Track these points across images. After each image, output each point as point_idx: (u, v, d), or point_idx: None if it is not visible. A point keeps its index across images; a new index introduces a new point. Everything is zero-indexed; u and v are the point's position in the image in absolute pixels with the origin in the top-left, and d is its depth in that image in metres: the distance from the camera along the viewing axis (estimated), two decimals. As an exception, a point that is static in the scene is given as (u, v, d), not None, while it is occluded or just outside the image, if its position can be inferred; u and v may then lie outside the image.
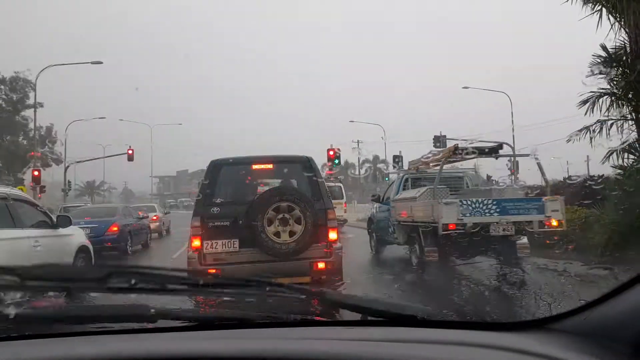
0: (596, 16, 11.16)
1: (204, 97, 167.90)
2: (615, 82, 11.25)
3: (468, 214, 8.89)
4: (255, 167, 7.29)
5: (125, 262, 13.39)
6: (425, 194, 10.07)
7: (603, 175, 10.85)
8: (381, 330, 1.51)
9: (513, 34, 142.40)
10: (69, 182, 38.20)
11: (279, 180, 7.73)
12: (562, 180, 15.70)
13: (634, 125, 11.00)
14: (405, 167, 16.34)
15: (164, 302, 1.57)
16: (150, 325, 1.46)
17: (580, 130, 11.55)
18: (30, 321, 1.51)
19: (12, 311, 1.41)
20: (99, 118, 44.01)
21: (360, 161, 66.66)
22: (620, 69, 11.11)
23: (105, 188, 73.86)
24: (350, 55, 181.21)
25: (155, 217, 21.45)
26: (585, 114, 11.40)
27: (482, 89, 37.43)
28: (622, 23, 10.89)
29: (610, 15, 11.03)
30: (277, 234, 6.54)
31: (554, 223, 9.02)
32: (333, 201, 7.87)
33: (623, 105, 11.14)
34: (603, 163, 11.17)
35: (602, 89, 11.33)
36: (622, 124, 11.19)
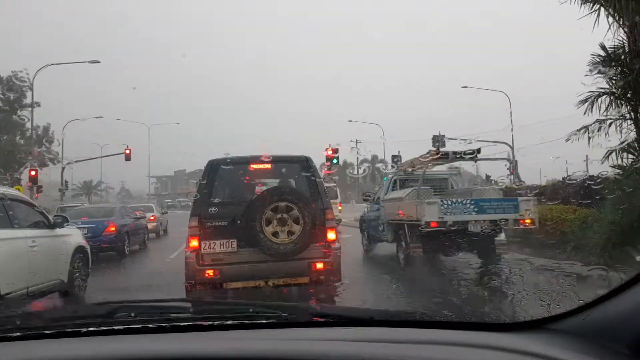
0: (595, 15, 11.18)
1: (201, 97, 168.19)
2: (614, 82, 11.26)
3: (448, 213, 9.61)
4: (253, 167, 7.27)
5: (123, 264, 13.43)
6: (411, 195, 10.94)
7: (603, 174, 10.86)
8: (381, 330, 1.51)
9: (512, 34, 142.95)
10: (66, 182, 38.22)
11: (277, 180, 7.72)
12: (561, 179, 15.76)
13: (632, 125, 11.02)
14: None
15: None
16: (153, 326, 1.47)
17: (579, 130, 11.57)
18: (30, 321, 1.51)
19: (12, 312, 1.41)
20: (96, 118, 44.11)
21: (359, 161, 66.85)
22: (619, 68, 11.12)
23: (103, 188, 73.89)
24: (349, 55, 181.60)
25: (152, 217, 21.43)
26: (585, 113, 11.42)
27: (481, 88, 37.62)
28: (621, 22, 10.91)
29: (608, 15, 11.04)
30: (276, 234, 6.53)
31: (527, 221, 9.83)
32: (328, 201, 7.89)
33: (622, 105, 11.15)
34: (602, 163, 11.19)
35: (601, 88, 11.35)
36: (621, 124, 11.20)
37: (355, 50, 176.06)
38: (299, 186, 7.21)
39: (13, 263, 6.46)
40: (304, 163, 7.22)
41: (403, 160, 18.33)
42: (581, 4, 11.37)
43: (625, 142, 10.88)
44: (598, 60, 11.10)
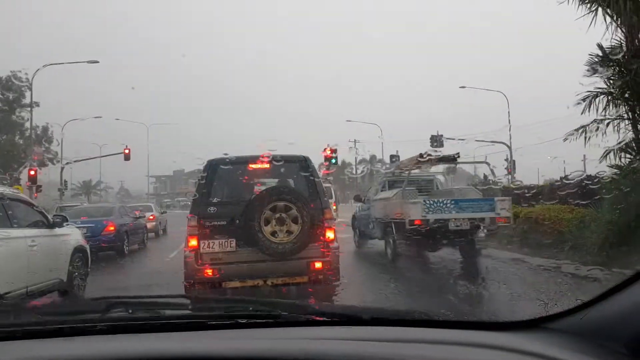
0: (592, 16, 11.18)
1: (201, 97, 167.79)
2: (611, 82, 11.26)
3: (431, 212, 10.45)
4: (252, 166, 7.27)
5: (121, 264, 13.41)
6: (397, 195, 11.80)
7: (601, 174, 10.88)
8: (379, 330, 1.51)
9: (512, 34, 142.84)
10: (65, 181, 38.15)
11: (276, 180, 7.73)
12: (558, 179, 15.78)
13: (630, 125, 11.02)
14: None
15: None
16: (149, 326, 1.47)
17: (577, 130, 11.57)
18: (29, 321, 1.51)
19: (11, 312, 1.41)
20: (96, 117, 43.99)
21: (358, 161, 66.73)
22: (617, 68, 11.12)
23: (102, 187, 73.69)
24: (349, 55, 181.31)
25: (151, 217, 21.39)
26: (582, 113, 11.42)
27: (479, 88, 37.61)
28: (619, 22, 10.91)
29: (606, 15, 11.04)
30: (274, 234, 6.54)
31: (503, 219, 10.73)
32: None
33: (619, 105, 11.15)
34: (600, 162, 11.20)
35: (599, 88, 11.35)
36: (619, 124, 11.20)
37: (355, 50, 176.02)
38: (297, 186, 7.22)
39: (12, 262, 6.45)
40: (303, 163, 7.23)
41: (401, 160, 19.28)
42: (579, 4, 11.38)
43: (623, 142, 10.88)
44: (596, 60, 11.11)
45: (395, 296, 7.70)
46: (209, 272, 6.46)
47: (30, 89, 32.84)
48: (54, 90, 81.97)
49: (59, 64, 31.96)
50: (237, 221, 6.60)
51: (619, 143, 10.95)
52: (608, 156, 11.08)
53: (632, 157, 10.82)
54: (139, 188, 75.22)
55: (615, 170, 10.64)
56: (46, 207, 16.32)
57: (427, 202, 10.69)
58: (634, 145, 10.78)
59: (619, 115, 11.22)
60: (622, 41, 11.07)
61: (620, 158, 11.00)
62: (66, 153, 40.95)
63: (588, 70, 11.16)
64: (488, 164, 14.33)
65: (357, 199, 15.84)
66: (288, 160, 7.38)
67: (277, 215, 6.56)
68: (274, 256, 6.48)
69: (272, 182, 7.66)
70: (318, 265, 6.66)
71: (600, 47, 11.07)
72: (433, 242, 11.11)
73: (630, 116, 10.96)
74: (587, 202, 11.11)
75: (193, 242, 6.58)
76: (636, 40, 10.76)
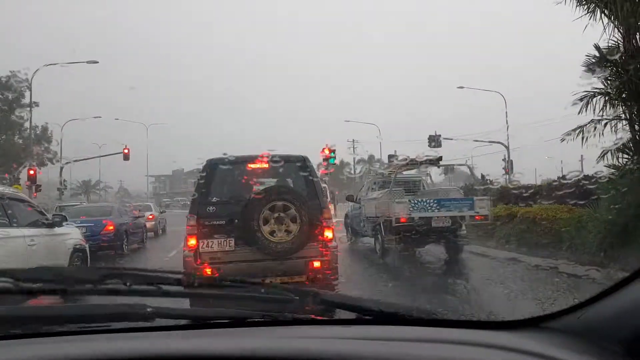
0: (588, 16, 11.19)
1: (200, 97, 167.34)
2: (609, 82, 11.28)
3: (416, 210, 11.32)
4: (251, 166, 7.29)
5: (121, 263, 13.40)
6: (385, 195, 12.71)
7: (598, 174, 10.91)
8: (377, 329, 1.51)
9: (511, 34, 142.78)
10: (65, 181, 38.11)
11: (275, 180, 7.74)
12: (556, 179, 15.80)
13: (627, 125, 11.04)
14: None
15: (160, 302, 1.57)
16: (148, 324, 1.46)
17: (574, 130, 11.59)
18: (28, 321, 1.51)
19: (9, 311, 1.41)
20: (95, 117, 43.98)
21: (356, 160, 66.64)
22: (614, 68, 11.13)
23: (101, 187, 73.55)
24: (349, 55, 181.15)
25: (151, 216, 21.38)
26: (579, 113, 11.43)
27: (476, 88, 37.63)
28: (616, 23, 10.93)
29: (603, 15, 11.05)
30: (273, 233, 6.56)
31: (481, 217, 11.66)
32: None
33: (617, 105, 11.17)
34: (597, 162, 11.22)
35: (596, 88, 11.37)
36: (616, 124, 11.22)
37: (355, 50, 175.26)
38: (296, 185, 7.24)
39: (12, 261, 6.45)
40: (302, 163, 7.25)
41: (389, 162, 20.45)
42: (577, 5, 11.39)
43: (620, 142, 10.90)
44: (593, 60, 11.13)
45: (393, 296, 7.71)
46: (208, 271, 6.48)
47: (30, 89, 32.84)
48: (53, 90, 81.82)
49: (59, 64, 31.88)
50: (236, 221, 6.61)
51: (616, 143, 10.97)
52: (605, 156, 11.11)
53: (629, 157, 10.84)
54: (138, 188, 75.11)
55: (613, 170, 10.66)
56: (45, 207, 16.33)
57: (413, 201, 11.62)
58: (631, 145, 10.79)
59: (617, 116, 11.25)
60: (619, 42, 11.09)
61: (617, 158, 11.03)
62: (65, 153, 40.93)
63: (585, 71, 11.18)
64: (468, 166, 15.57)
65: (350, 198, 16.49)
66: (287, 160, 7.39)
67: (276, 214, 6.58)
68: (272, 255, 6.50)
69: (271, 181, 7.67)
70: (317, 264, 6.68)
71: (597, 47, 11.09)
72: (418, 239, 11.82)
73: (628, 116, 10.98)
74: (585, 202, 11.14)
75: (192, 242, 6.61)
76: (633, 41, 10.78)
